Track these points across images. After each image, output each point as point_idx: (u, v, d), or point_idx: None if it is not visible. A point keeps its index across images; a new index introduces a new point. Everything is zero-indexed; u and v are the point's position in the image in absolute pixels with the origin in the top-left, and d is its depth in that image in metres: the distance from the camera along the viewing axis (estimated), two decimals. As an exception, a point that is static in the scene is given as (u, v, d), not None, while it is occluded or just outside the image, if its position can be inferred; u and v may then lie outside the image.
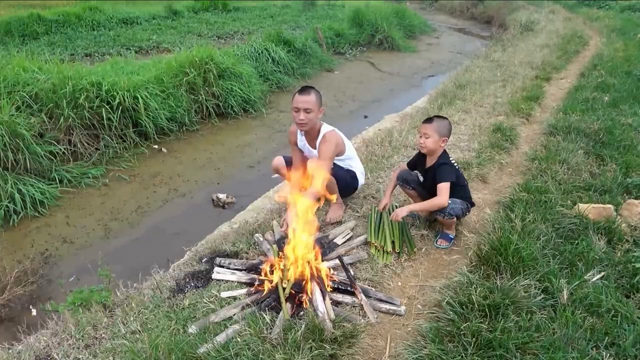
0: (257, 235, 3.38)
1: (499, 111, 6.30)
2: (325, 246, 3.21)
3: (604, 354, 2.20)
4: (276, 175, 3.91)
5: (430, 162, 3.24)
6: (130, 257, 4.01)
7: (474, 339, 2.26)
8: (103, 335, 2.55)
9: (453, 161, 3.24)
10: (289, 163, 3.67)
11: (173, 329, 2.51)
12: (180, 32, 13.04)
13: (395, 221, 3.25)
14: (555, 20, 15.97)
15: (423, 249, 3.27)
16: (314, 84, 7.05)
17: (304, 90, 3.21)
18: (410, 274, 3.03)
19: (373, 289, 2.83)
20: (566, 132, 5.20)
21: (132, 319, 2.63)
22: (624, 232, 3.23)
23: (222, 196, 4.91)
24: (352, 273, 2.89)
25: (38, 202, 4.62)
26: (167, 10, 15.70)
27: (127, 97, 5.85)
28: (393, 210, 3.31)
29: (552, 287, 2.64)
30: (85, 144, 5.64)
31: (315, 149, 3.44)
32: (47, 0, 16.15)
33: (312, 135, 3.43)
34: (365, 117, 7.60)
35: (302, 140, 3.54)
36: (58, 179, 5.05)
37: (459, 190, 3.23)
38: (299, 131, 3.51)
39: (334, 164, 3.48)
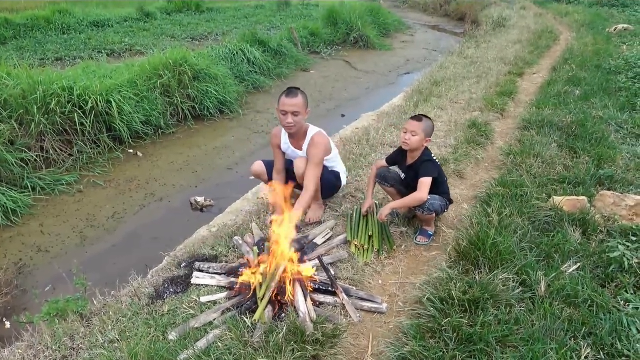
0: (236, 238, 3.35)
1: (474, 107, 6.37)
2: (305, 247, 3.19)
3: (582, 343, 2.24)
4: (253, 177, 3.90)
5: (411, 159, 3.25)
6: (108, 265, 3.94)
7: (455, 334, 2.28)
8: (80, 346, 2.49)
9: (435, 158, 3.26)
10: (268, 167, 3.67)
11: (152, 337, 2.47)
12: (153, 35, 12.86)
13: (381, 221, 3.27)
14: (526, 16, 16.23)
15: (403, 246, 3.28)
16: (290, 84, 6.96)
17: (291, 92, 3.20)
18: (391, 271, 3.04)
19: (354, 288, 2.83)
20: (540, 126, 5.28)
21: (110, 327, 2.58)
22: (598, 223, 3.29)
23: (200, 199, 4.85)
24: (333, 273, 2.89)
25: (10, 211, 4.50)
26: (139, 12, 15.46)
27: (100, 102, 5.74)
28: (377, 210, 3.38)
29: (530, 279, 2.68)
30: (58, 150, 5.52)
31: (301, 150, 3.44)
32: (16, 0, 15.77)
33: (298, 137, 3.43)
34: (343, 116, 7.61)
35: (286, 143, 3.52)
36: (31, 186, 4.93)
37: (440, 186, 3.26)
38: (282, 134, 3.51)
39: None
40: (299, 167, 3.40)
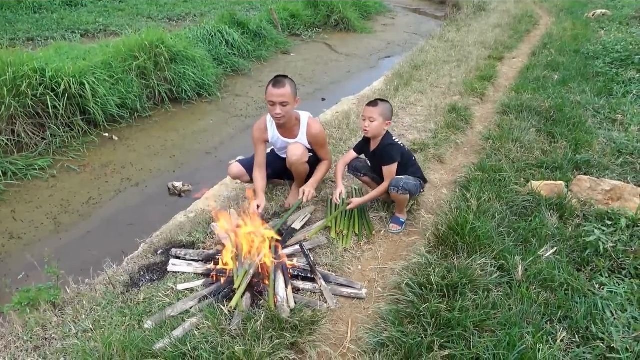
0: (213, 224, 3.29)
1: (454, 91, 6.37)
2: (284, 232, 3.16)
3: (558, 327, 2.27)
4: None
5: (374, 144, 3.24)
6: (82, 252, 3.85)
7: (433, 319, 2.28)
8: (53, 336, 2.44)
9: (397, 140, 3.25)
10: (247, 167, 3.53)
11: (127, 326, 2.42)
12: (129, 15, 12.49)
13: (350, 209, 3.27)
14: (506, 0, 16.25)
15: (382, 232, 3.27)
16: (270, 67, 6.86)
17: (278, 82, 3.04)
18: (370, 257, 3.03)
19: (333, 274, 2.82)
20: (519, 110, 5.31)
21: (83, 317, 2.53)
22: (575, 208, 3.33)
23: (178, 184, 4.77)
24: (312, 259, 2.87)
25: (-20, 197, 4.37)
26: (115, -9, 15.00)
27: (73, 84, 5.56)
28: (348, 196, 3.37)
29: (508, 264, 2.69)
30: (30, 133, 5.35)
31: (294, 139, 3.35)
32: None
33: (289, 127, 3.31)
34: (323, 99, 7.53)
35: (274, 135, 3.39)
36: (2, 171, 4.77)
37: (409, 167, 3.25)
38: (269, 124, 3.38)
39: (309, 150, 3.44)
40: (293, 153, 3.27)
